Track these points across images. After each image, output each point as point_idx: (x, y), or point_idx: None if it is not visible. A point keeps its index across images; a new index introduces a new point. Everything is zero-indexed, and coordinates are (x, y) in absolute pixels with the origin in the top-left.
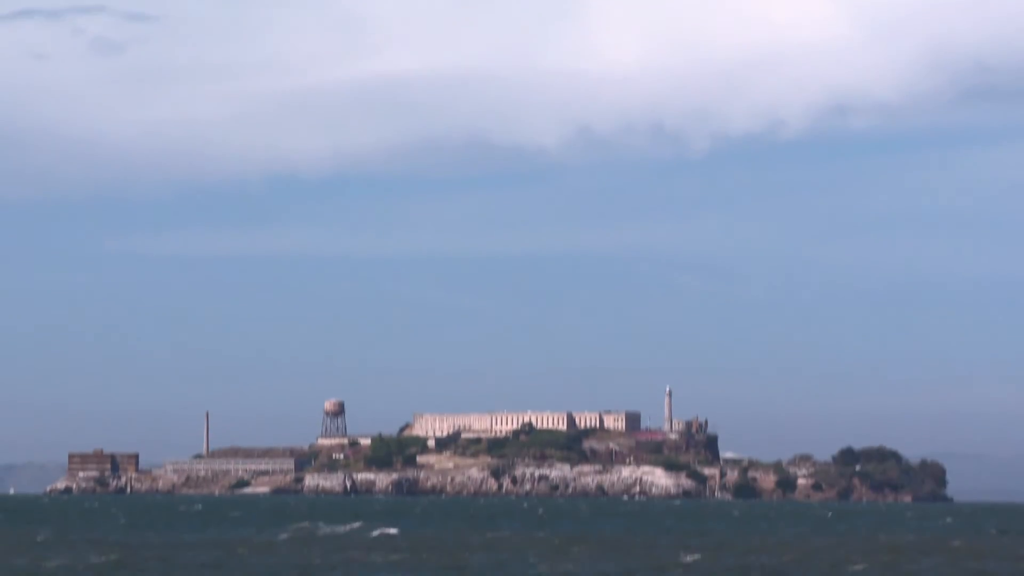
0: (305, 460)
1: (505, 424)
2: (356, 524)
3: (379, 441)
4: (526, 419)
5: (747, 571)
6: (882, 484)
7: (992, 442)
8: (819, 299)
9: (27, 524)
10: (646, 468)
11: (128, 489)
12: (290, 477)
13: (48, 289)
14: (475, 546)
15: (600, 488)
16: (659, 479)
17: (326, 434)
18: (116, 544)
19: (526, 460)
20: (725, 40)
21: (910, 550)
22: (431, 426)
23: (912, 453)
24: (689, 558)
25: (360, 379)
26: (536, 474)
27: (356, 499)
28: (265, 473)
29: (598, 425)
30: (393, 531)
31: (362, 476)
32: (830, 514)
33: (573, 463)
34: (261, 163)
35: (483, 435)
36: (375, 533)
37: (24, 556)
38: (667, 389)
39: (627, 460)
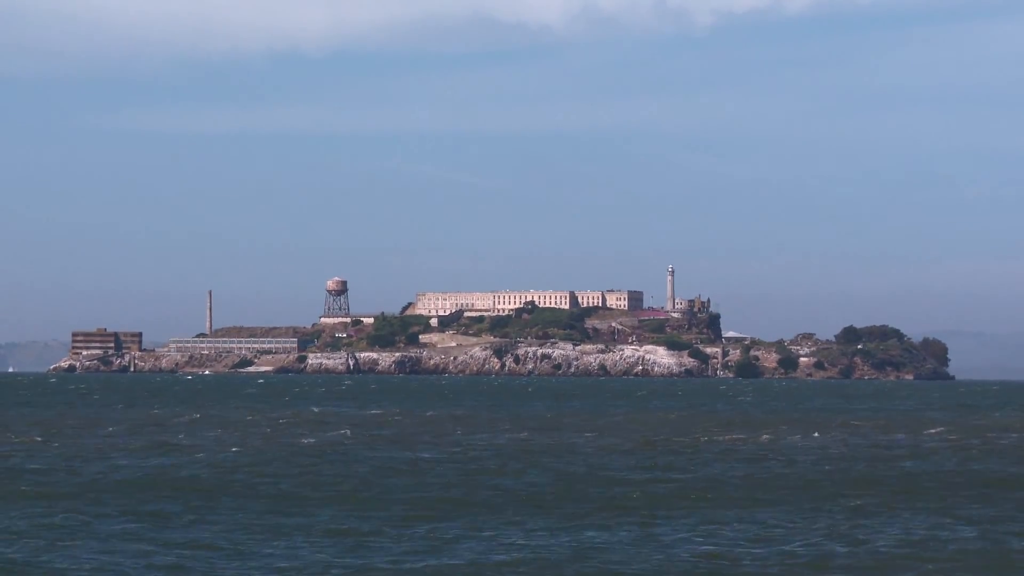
0: (308, 339)
1: (508, 303)
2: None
3: (382, 320)
4: (528, 298)
5: None
6: (884, 362)
7: (994, 320)
8: (823, 178)
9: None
10: (648, 347)
11: (131, 368)
12: (293, 356)
13: (51, 168)
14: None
15: (602, 367)
16: (661, 358)
17: (329, 313)
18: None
19: (529, 339)
20: None
21: None
22: (433, 305)
23: (914, 331)
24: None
25: (362, 258)
26: (539, 353)
27: (400, 380)
28: (268, 352)
29: (600, 304)
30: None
31: (365, 355)
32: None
33: (575, 342)
34: (262, 39)
35: (486, 314)
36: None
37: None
38: (669, 268)
39: (629, 339)
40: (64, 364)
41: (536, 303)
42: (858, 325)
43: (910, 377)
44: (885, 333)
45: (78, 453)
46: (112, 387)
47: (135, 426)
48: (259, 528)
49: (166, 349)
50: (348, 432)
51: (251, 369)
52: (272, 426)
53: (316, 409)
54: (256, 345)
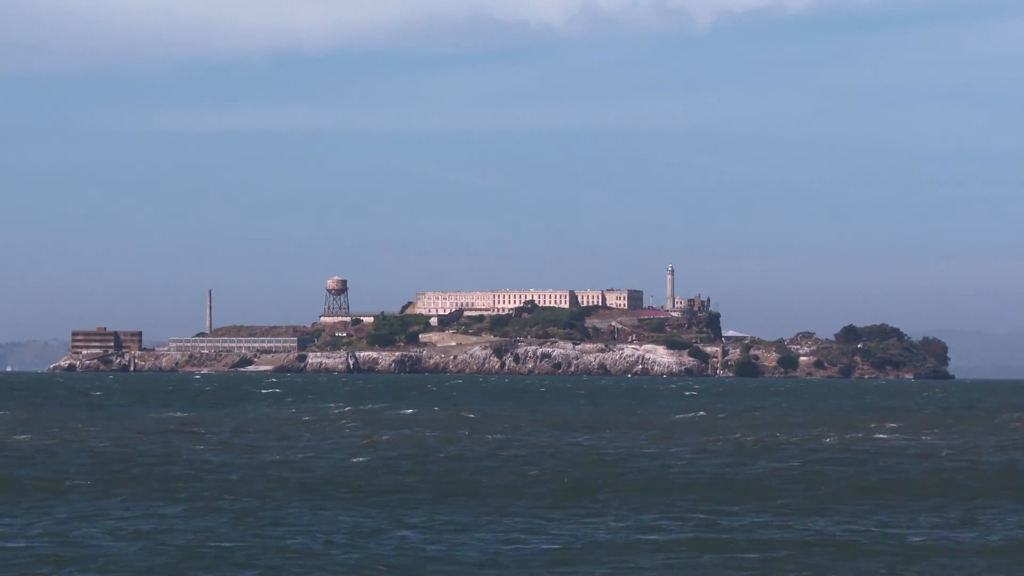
0: (308, 338)
1: (508, 302)
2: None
3: (382, 319)
4: (528, 297)
5: None
6: (883, 361)
7: (994, 320)
8: (823, 178)
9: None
10: (648, 346)
11: (131, 367)
12: (293, 355)
13: (51, 167)
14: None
15: (602, 366)
16: (661, 357)
17: (329, 312)
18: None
19: (528, 338)
20: None
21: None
22: (433, 304)
23: (914, 330)
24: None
25: (362, 257)
26: (539, 352)
27: (407, 379)
28: (268, 351)
29: (600, 303)
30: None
31: (364, 354)
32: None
33: (575, 341)
34: (263, 38)
35: (486, 313)
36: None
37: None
38: (669, 267)
39: (629, 338)
40: (64, 363)
41: (536, 302)
42: (858, 324)
43: (910, 376)
44: (885, 332)
45: (116, 452)
46: (125, 387)
47: (167, 425)
48: (335, 523)
49: (166, 348)
50: (396, 433)
51: (251, 368)
52: (321, 423)
53: (347, 408)
54: (256, 344)
